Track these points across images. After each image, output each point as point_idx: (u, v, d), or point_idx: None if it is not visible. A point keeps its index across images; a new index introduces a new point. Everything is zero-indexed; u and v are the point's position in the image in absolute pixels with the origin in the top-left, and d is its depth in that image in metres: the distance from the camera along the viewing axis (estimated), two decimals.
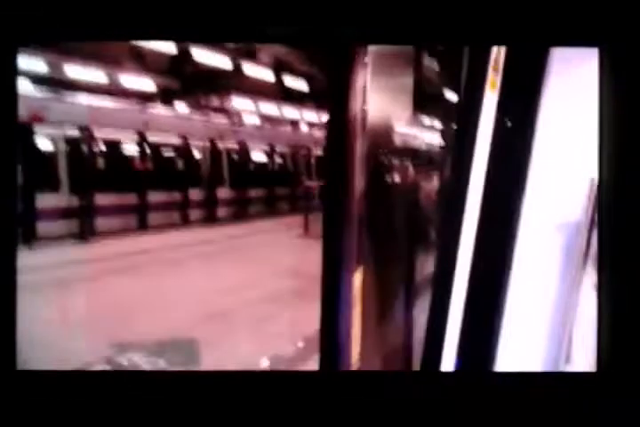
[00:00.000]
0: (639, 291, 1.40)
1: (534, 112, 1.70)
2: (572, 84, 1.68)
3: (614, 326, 1.41)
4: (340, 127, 1.57)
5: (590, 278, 1.69)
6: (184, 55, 12.97)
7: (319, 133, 17.68)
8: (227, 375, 1.52)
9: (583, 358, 1.67)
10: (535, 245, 1.75)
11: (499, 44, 1.62)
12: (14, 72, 1.41)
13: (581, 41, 1.47)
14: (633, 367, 1.38)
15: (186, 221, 11.34)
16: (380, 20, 1.40)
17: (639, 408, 1.40)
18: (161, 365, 4.16)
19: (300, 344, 4.65)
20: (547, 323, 1.73)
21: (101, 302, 5.57)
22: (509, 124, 1.72)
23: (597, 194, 1.52)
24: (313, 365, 4.10)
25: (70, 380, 1.49)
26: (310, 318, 5.67)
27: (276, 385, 1.47)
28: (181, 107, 13.87)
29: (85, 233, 9.05)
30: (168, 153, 11.64)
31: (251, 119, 15.71)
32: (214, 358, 4.27)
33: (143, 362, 4.19)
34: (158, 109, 12.36)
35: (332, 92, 1.57)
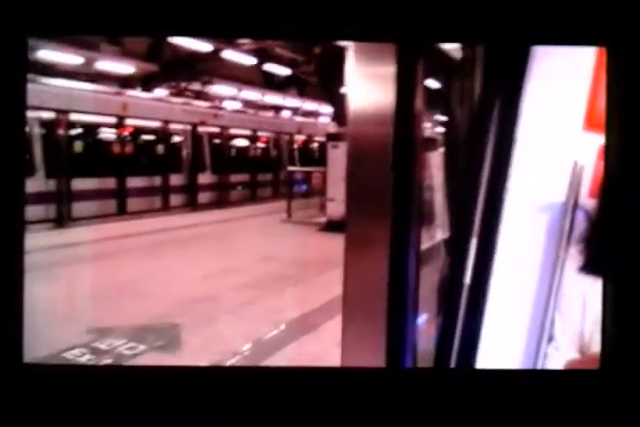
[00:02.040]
0: None
1: (518, 100, 1.71)
2: (555, 73, 1.70)
3: (618, 322, 1.41)
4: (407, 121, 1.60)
5: (573, 260, 1.70)
6: (163, 40, 12.76)
7: (301, 119, 17.62)
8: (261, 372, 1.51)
9: (566, 338, 1.69)
10: (520, 228, 1.75)
11: (507, 42, 1.63)
12: (25, 62, 1.38)
13: (588, 39, 1.47)
14: (636, 365, 1.39)
15: (167, 207, 11.24)
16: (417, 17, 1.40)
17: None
18: (140, 349, 4.15)
19: (283, 327, 4.67)
20: (530, 304, 1.74)
21: (82, 288, 5.52)
22: (496, 111, 1.74)
23: (605, 190, 1.54)
24: (295, 348, 4.16)
25: (79, 374, 1.48)
26: (293, 302, 5.70)
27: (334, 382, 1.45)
28: (161, 91, 13.69)
29: (63, 218, 8.93)
30: (147, 137, 11.49)
31: (232, 104, 15.56)
32: (195, 344, 4.27)
33: (124, 348, 4.18)
34: (137, 93, 12.18)
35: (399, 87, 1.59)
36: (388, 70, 1.60)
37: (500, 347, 1.74)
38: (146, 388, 1.43)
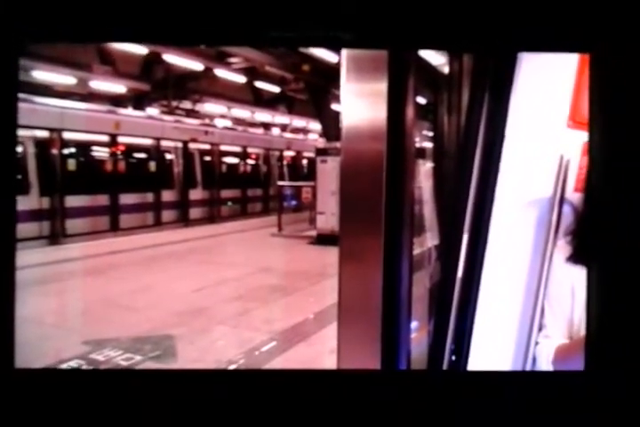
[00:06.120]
0: (628, 290, 1.46)
1: (506, 101, 1.79)
2: (540, 74, 1.79)
3: (603, 324, 1.46)
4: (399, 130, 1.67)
5: (562, 251, 1.78)
6: (155, 58, 12.90)
7: (290, 136, 17.76)
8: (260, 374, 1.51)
9: (556, 326, 1.75)
10: (510, 223, 1.82)
11: (495, 50, 1.72)
12: (16, 71, 1.40)
13: (574, 47, 1.55)
14: (621, 366, 1.43)
15: (159, 223, 11.25)
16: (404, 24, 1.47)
17: (628, 408, 1.44)
18: (137, 360, 4.16)
19: (276, 337, 4.69)
20: (521, 295, 1.81)
21: (78, 302, 5.52)
22: (485, 112, 1.82)
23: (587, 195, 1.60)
24: (288, 357, 4.19)
25: (70, 378, 1.47)
26: (285, 312, 5.72)
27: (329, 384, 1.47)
28: (153, 110, 13.78)
29: (57, 235, 8.92)
30: (139, 155, 11.54)
31: (223, 122, 15.68)
32: (191, 354, 4.28)
33: (120, 359, 4.19)
34: (129, 111, 12.26)
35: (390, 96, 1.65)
36: (380, 86, 1.68)
37: (493, 337, 1.80)
38: (140, 392, 1.42)
